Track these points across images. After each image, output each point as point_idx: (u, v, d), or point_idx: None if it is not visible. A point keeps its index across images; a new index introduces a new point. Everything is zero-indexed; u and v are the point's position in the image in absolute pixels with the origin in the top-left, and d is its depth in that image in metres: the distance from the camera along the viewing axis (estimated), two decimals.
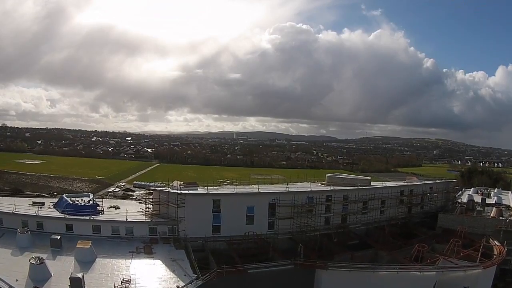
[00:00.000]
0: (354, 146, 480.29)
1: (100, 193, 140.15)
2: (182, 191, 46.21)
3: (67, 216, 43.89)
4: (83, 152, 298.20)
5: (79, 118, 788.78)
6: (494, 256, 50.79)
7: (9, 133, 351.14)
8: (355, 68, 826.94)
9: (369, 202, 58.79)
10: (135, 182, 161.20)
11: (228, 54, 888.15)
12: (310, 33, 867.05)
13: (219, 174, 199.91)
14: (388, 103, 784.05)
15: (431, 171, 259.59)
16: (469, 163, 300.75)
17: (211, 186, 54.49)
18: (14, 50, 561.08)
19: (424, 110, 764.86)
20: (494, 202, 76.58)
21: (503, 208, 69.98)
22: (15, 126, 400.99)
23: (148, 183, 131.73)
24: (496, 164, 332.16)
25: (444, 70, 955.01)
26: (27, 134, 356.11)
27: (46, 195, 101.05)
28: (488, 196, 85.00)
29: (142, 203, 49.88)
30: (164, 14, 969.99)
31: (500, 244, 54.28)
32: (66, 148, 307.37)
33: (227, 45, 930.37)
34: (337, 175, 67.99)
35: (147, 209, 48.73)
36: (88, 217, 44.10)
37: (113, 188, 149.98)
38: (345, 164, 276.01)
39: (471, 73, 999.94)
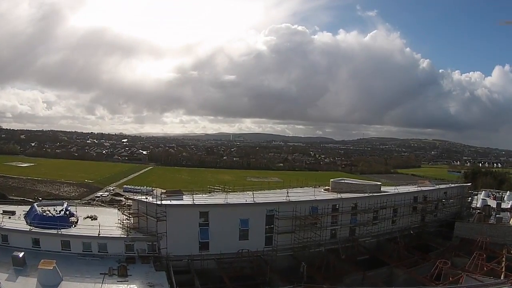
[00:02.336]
0: (351, 147, 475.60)
1: (88, 198, 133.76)
2: (163, 202, 39.99)
3: (32, 229, 37.91)
4: (76, 154, 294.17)
5: (76, 120, 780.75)
6: None
7: (4, 135, 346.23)
8: (351, 69, 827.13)
9: (380, 211, 52.42)
10: (125, 186, 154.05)
11: (223, 56, 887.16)
12: (305, 34, 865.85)
13: (214, 177, 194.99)
14: (384, 104, 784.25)
15: (432, 172, 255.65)
16: (468, 164, 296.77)
17: (199, 194, 47.90)
18: (9, 52, 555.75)
19: (420, 111, 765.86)
20: (510, 206, 70.31)
21: None
22: (11, 128, 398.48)
23: (139, 187, 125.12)
24: (495, 164, 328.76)
25: (440, 70, 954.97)
26: (22, 136, 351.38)
27: (30, 200, 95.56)
28: (502, 199, 79.25)
29: (124, 214, 43.64)
30: (158, 16, 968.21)
31: None
32: (59, 151, 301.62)
33: (222, 46, 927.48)
34: (343, 179, 61.43)
35: (128, 221, 42.44)
36: (56, 231, 37.84)
37: (101, 193, 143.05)
38: (343, 166, 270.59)
39: (467, 74, 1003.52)
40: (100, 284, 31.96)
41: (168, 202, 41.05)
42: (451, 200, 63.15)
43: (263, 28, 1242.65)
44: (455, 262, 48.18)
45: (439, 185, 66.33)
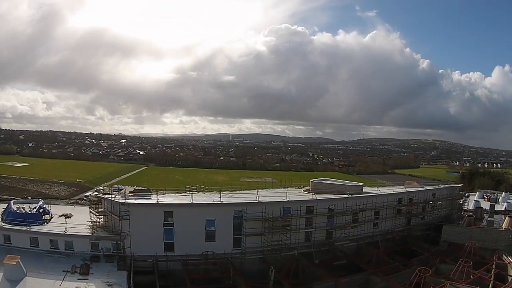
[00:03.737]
0: (350, 148, 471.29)
1: (77, 197, 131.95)
2: (127, 201, 39.24)
3: (3, 226, 38.74)
4: (72, 154, 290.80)
5: (75, 120, 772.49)
6: (510, 279, 41.52)
7: (2, 135, 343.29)
8: (351, 69, 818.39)
9: (360, 214, 49.39)
10: (114, 186, 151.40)
11: (222, 56, 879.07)
12: (305, 35, 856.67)
13: (208, 177, 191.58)
14: (384, 105, 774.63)
15: (430, 172, 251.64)
16: (468, 164, 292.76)
17: (172, 193, 45.99)
18: (9, 53, 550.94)
19: (420, 111, 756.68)
20: (503, 208, 67.14)
21: None
22: (10, 129, 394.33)
23: (127, 187, 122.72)
24: (495, 164, 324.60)
25: (440, 71, 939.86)
26: (21, 137, 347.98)
27: (18, 199, 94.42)
28: (496, 201, 75.55)
29: (92, 213, 43.27)
30: (157, 17, 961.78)
31: None
32: (55, 151, 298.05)
33: (221, 47, 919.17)
34: (324, 180, 58.18)
35: (98, 220, 42.28)
36: (25, 227, 38.23)
37: (90, 192, 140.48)
38: (340, 166, 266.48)
39: (467, 74, 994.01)
40: (61, 282, 32.02)
41: (132, 201, 40.17)
42: (439, 202, 60.03)
43: (262, 28, 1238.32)
44: (440, 269, 45.08)
45: (427, 186, 62.88)
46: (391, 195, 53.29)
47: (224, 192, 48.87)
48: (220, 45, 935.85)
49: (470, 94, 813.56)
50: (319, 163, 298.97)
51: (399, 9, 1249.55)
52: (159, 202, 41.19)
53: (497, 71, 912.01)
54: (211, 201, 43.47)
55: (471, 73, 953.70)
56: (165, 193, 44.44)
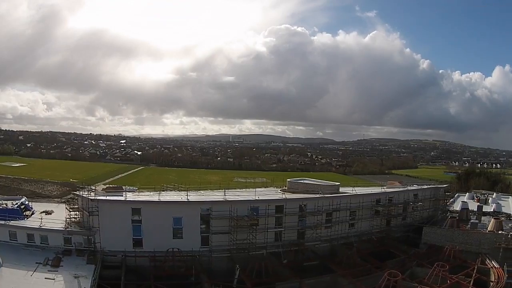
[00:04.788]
0: (350, 148, 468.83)
1: (69, 196, 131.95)
2: (96, 197, 40.50)
3: None
4: (70, 155, 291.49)
5: (76, 121, 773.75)
6: (491, 284, 39.53)
7: (2, 136, 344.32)
8: (351, 70, 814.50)
9: (334, 214, 47.87)
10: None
11: (222, 57, 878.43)
12: (305, 35, 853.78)
13: (202, 177, 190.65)
14: (384, 105, 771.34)
15: (427, 173, 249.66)
16: (467, 164, 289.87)
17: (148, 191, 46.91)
18: (9, 54, 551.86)
19: (420, 112, 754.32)
20: (492, 210, 65.19)
21: (503, 219, 58.35)
22: (10, 130, 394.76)
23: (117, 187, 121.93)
24: (494, 165, 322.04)
25: (440, 71, 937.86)
26: (20, 137, 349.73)
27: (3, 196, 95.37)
28: (486, 202, 73.48)
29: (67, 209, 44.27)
30: (157, 18, 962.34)
31: (499, 267, 42.65)
32: (53, 151, 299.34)
33: (220, 48, 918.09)
34: (301, 179, 56.78)
35: (75, 216, 43.37)
36: (4, 222, 39.91)
37: (82, 192, 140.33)
38: (337, 167, 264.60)
39: (467, 74, 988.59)
40: (32, 272, 34.00)
41: (101, 197, 40.95)
42: (419, 203, 58.04)
43: (261, 29, 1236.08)
44: (415, 272, 43.40)
45: (410, 187, 61.07)
46: (367, 195, 51.71)
47: (200, 191, 49.23)
48: (220, 45, 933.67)
49: (471, 94, 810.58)
50: (316, 163, 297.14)
51: (399, 9, 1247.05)
52: (127, 199, 41.73)
53: (497, 71, 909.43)
54: (179, 199, 43.54)
55: (471, 73, 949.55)
56: (140, 191, 45.73)
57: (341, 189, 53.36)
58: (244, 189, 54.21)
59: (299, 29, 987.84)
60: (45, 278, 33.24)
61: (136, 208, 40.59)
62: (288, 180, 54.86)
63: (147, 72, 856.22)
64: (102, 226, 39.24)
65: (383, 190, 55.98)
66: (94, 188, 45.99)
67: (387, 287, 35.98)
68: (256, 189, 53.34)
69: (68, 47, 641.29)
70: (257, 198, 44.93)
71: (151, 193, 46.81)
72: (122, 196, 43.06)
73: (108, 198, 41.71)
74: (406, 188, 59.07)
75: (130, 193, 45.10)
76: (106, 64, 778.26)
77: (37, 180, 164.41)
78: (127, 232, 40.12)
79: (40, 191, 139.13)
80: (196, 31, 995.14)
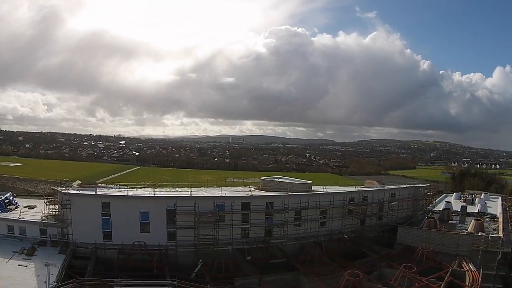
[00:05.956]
0: (350, 149, 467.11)
1: (46, 191, 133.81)
2: (68, 191, 42.56)
3: None
4: (67, 155, 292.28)
5: (77, 122, 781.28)
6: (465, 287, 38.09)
7: (1, 137, 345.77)
8: (351, 70, 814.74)
9: (304, 212, 47.35)
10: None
11: (222, 58, 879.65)
12: (305, 36, 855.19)
13: (195, 177, 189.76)
14: (384, 106, 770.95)
15: (425, 173, 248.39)
16: (466, 165, 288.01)
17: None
18: (10, 55, 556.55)
19: (421, 112, 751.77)
20: (477, 210, 63.81)
21: (487, 219, 57.46)
22: (11, 130, 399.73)
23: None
24: (493, 165, 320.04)
25: (440, 72, 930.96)
26: (20, 138, 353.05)
27: None
28: (472, 202, 72.20)
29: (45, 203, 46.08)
30: (157, 18, 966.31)
31: (475, 270, 41.20)
32: (51, 151, 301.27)
33: (221, 49, 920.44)
34: (276, 178, 56.31)
35: (54, 210, 45.03)
36: None
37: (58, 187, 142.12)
38: (334, 167, 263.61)
39: (468, 75, 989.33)
40: (8, 260, 36.76)
41: (74, 191, 43.03)
42: (395, 203, 57.05)
43: (261, 30, 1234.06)
44: (384, 273, 42.42)
45: (387, 186, 60.13)
46: (338, 194, 50.99)
47: (176, 188, 50.41)
48: (220, 46, 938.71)
49: (471, 95, 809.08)
50: (314, 164, 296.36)
51: (399, 10, 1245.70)
52: (97, 193, 43.90)
53: (498, 72, 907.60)
54: (146, 194, 45.03)
55: (471, 74, 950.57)
56: (96, 186, 48.27)
57: (314, 188, 52.75)
58: (222, 188, 54.71)
59: (299, 30, 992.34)
60: (19, 265, 36.05)
61: (106, 202, 42.19)
62: (262, 178, 54.39)
63: (148, 73, 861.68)
64: (74, 219, 41.22)
65: (356, 189, 54.97)
66: (70, 183, 48.12)
67: (346, 287, 35.12)
68: (229, 187, 54.92)
69: (68, 48, 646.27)
70: (222, 195, 45.10)
71: (123, 188, 48.61)
72: (94, 191, 45.01)
73: (79, 192, 43.62)
74: (381, 188, 57.97)
75: (104, 189, 47.85)
76: (106, 65, 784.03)
77: (31, 179, 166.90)
78: (97, 225, 41.89)
79: (33, 189, 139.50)
80: (196, 32, 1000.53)
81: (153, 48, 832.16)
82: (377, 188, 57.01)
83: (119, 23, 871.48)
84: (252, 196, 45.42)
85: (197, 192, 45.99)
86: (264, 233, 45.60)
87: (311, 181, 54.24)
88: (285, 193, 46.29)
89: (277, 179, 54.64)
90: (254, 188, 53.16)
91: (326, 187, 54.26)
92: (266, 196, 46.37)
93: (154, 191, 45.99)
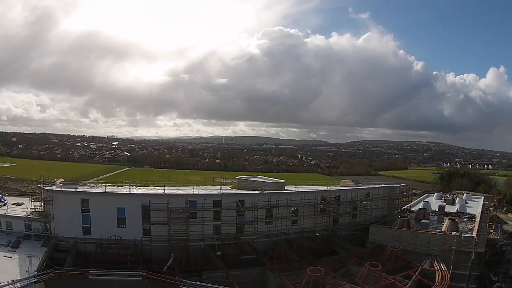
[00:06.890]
0: (342, 150, 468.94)
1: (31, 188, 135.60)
2: (51, 188, 44.76)
3: None
4: (59, 156, 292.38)
5: (70, 123, 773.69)
6: (432, 286, 38.30)
7: None
8: (344, 71, 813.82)
9: (275, 210, 48.52)
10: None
11: (215, 59, 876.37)
12: (298, 37, 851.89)
13: (184, 177, 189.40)
14: (377, 107, 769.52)
15: (416, 174, 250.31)
16: (459, 166, 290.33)
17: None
18: (3, 55, 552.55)
19: (414, 113, 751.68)
20: (456, 210, 64.52)
21: (464, 219, 58.28)
22: (4, 131, 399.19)
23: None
24: (486, 166, 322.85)
25: (434, 72, 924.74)
26: (13, 139, 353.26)
27: None
28: (453, 202, 73.02)
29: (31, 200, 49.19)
30: (150, 20, 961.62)
31: (445, 269, 41.73)
32: (43, 152, 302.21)
33: (214, 50, 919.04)
34: (251, 177, 57.47)
35: (39, 206, 47.28)
36: None
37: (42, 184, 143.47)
38: (324, 168, 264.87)
39: (461, 76, 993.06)
40: None
41: (55, 188, 45.23)
42: (366, 202, 57.89)
43: (254, 31, 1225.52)
44: (351, 271, 43.16)
45: (362, 186, 60.95)
46: (309, 192, 52.12)
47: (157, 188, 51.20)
48: (213, 47, 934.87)
49: (465, 95, 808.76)
50: (305, 164, 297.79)
51: (392, 11, 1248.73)
52: (77, 190, 46.21)
53: (491, 73, 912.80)
54: (123, 191, 47.39)
55: (465, 75, 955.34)
56: (77, 183, 50.07)
57: (288, 187, 53.75)
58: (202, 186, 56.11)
59: (292, 31, 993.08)
60: (4, 256, 39.07)
61: (85, 198, 44.43)
62: (237, 177, 55.30)
63: (141, 74, 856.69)
64: (56, 215, 43.74)
65: (328, 188, 55.74)
66: (54, 181, 49.38)
67: (308, 283, 35.81)
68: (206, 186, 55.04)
69: (62, 48, 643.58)
70: (194, 192, 46.82)
71: (101, 186, 51.14)
72: (75, 188, 47.15)
73: (61, 189, 45.64)
74: (355, 187, 58.78)
75: (85, 186, 50.69)
76: (100, 66, 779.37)
77: (23, 179, 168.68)
78: (77, 220, 44.00)
79: (25, 189, 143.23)
80: (189, 33, 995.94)
81: (146, 49, 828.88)
82: (350, 187, 57.74)
83: (113, 24, 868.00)
84: (223, 194, 46.76)
85: (171, 190, 47.61)
86: (236, 230, 47.04)
87: (284, 180, 55.35)
88: (255, 191, 47.24)
89: (251, 179, 55.40)
90: (230, 187, 53.92)
91: (298, 186, 55.07)
92: (237, 194, 47.89)
93: (129, 188, 48.00)
